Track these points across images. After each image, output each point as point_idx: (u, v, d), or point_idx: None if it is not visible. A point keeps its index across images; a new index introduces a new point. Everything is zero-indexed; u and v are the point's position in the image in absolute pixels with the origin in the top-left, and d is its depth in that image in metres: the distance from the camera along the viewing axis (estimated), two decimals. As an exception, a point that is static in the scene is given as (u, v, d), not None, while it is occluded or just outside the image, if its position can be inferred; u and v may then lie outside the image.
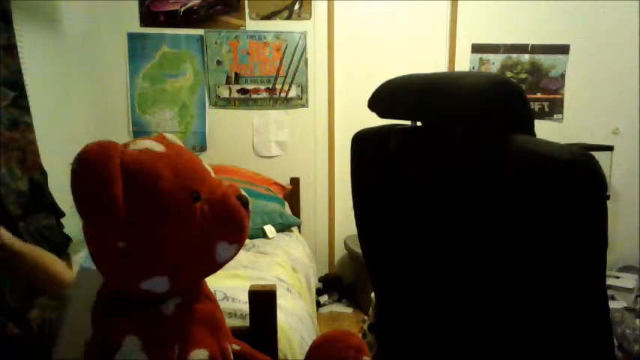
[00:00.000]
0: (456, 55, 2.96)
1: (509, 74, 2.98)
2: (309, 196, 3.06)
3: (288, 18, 2.89)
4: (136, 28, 2.82)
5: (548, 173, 0.65)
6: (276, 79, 2.94)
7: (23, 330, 1.24)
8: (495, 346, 0.80)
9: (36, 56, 1.78)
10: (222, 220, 0.70)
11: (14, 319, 1.24)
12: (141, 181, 0.63)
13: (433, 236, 0.85)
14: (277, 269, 1.82)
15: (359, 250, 1.31)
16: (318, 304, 2.87)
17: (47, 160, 1.64)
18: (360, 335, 1.37)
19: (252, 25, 2.88)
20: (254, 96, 2.95)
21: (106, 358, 0.62)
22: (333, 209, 3.07)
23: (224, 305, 1.40)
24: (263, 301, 1.05)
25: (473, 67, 2.99)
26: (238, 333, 1.23)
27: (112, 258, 0.63)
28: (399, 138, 0.93)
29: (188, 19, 2.85)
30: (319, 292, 2.94)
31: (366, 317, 1.52)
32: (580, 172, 0.63)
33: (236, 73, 2.92)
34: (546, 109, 3.05)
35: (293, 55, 2.92)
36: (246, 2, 2.87)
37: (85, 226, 0.64)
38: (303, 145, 3.02)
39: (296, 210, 2.96)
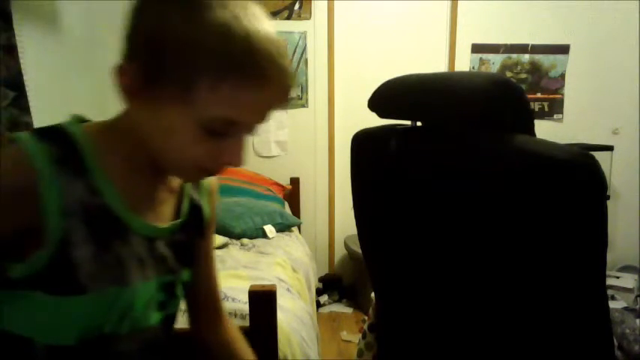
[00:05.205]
0: (456, 55, 2.96)
1: (509, 74, 2.98)
2: (309, 196, 3.06)
3: (288, 18, 2.89)
4: (136, 28, 2.81)
5: (548, 173, 0.65)
6: (276, 79, 2.94)
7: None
8: (495, 346, 0.80)
9: (36, 56, 1.77)
10: None
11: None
12: None
13: (433, 236, 0.85)
14: (277, 269, 1.82)
15: (359, 250, 1.31)
16: (318, 304, 2.87)
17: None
18: (360, 335, 1.37)
19: (252, 25, 2.88)
20: (254, 96, 2.94)
21: None
22: (333, 209, 3.07)
23: (224, 305, 1.40)
24: (263, 301, 1.05)
25: (473, 67, 2.99)
26: (238, 333, 1.23)
27: None
28: (399, 138, 0.92)
29: (188, 19, 2.84)
30: (319, 292, 2.94)
31: (366, 317, 1.52)
32: (580, 173, 0.63)
33: (236, 73, 2.92)
34: (546, 109, 3.05)
35: (293, 55, 2.92)
36: (246, 2, 2.86)
37: None
38: (303, 145, 3.02)
39: (296, 210, 2.96)
